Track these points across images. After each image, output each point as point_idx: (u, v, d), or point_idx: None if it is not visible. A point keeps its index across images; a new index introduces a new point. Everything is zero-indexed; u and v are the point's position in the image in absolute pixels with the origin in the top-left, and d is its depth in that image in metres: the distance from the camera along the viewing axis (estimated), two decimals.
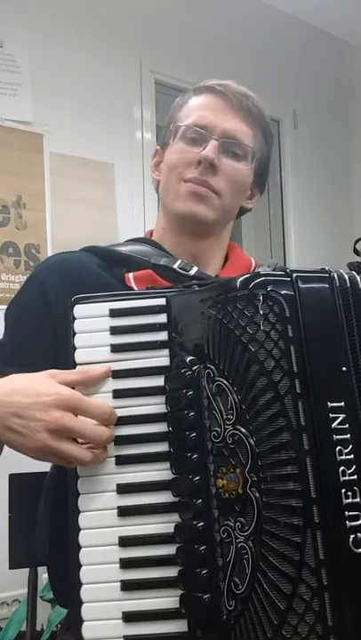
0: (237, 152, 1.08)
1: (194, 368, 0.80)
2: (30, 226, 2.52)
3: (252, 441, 0.71)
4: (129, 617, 0.77)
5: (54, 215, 2.57)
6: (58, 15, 2.73)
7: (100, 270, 1.05)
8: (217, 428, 0.76)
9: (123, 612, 0.77)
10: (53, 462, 0.82)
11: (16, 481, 1.30)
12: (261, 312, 0.73)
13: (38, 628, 1.89)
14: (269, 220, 3.55)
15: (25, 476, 1.25)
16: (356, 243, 3.15)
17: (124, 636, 0.77)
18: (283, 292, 0.74)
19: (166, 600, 0.77)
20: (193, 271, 1.03)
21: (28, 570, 1.33)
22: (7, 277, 2.43)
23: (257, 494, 0.70)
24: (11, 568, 1.25)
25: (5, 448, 0.85)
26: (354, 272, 0.80)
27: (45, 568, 1.10)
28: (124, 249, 1.10)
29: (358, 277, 0.79)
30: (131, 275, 1.03)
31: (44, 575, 1.26)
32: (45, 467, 1.13)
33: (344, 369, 0.73)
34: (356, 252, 3.13)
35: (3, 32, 2.57)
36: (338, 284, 0.76)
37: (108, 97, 2.87)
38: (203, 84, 1.14)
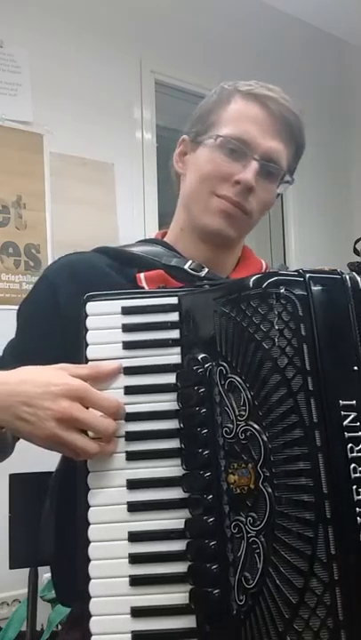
0: (272, 172, 1.07)
1: (206, 365, 0.81)
2: (30, 226, 2.52)
3: (264, 437, 0.73)
4: (137, 612, 0.78)
5: (54, 215, 2.57)
6: (58, 15, 2.73)
7: (111, 270, 1.05)
8: (229, 425, 0.77)
9: (131, 608, 0.78)
10: (61, 452, 0.83)
11: (16, 481, 1.30)
12: (275, 311, 0.75)
13: (38, 628, 1.89)
14: (269, 220, 3.55)
15: (25, 475, 1.25)
16: (356, 243, 3.15)
17: (132, 632, 0.77)
18: (296, 292, 0.75)
19: (175, 596, 0.78)
20: (204, 272, 1.04)
21: (28, 570, 1.34)
22: (7, 277, 2.44)
23: (269, 489, 0.72)
24: (11, 568, 1.26)
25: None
26: (354, 272, 0.82)
27: (45, 568, 1.10)
28: (135, 249, 1.10)
29: (355, 275, 0.80)
30: (142, 275, 1.04)
31: (44, 575, 1.26)
32: (46, 467, 1.13)
33: (356, 368, 0.74)
34: (356, 251, 3.13)
35: (3, 32, 2.58)
36: (350, 285, 0.78)
37: (108, 97, 2.87)
38: (250, 88, 1.10)
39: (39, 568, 1.31)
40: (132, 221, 2.78)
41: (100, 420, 0.80)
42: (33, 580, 1.34)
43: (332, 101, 3.76)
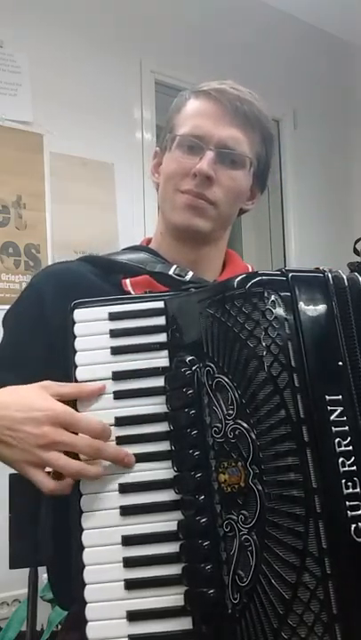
0: (234, 160, 1.09)
1: (193, 367, 0.82)
2: (30, 226, 2.52)
3: (253, 434, 0.74)
4: (133, 616, 0.78)
5: (54, 215, 2.58)
6: (58, 15, 2.73)
7: (96, 278, 1.07)
8: (218, 424, 0.77)
9: (127, 612, 0.78)
10: (35, 482, 0.82)
11: (16, 481, 1.30)
12: (259, 309, 0.76)
13: (38, 628, 1.89)
14: (269, 219, 3.55)
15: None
16: (356, 243, 3.15)
17: (129, 636, 0.77)
18: (279, 290, 0.77)
19: (171, 598, 0.78)
20: (189, 276, 1.05)
21: (28, 570, 1.33)
22: (7, 277, 2.44)
23: (259, 486, 0.72)
24: (11, 568, 1.26)
25: None
26: (356, 272, 0.83)
27: (45, 568, 1.10)
28: (120, 257, 1.12)
29: (357, 276, 0.82)
30: (128, 280, 1.05)
31: (44, 575, 1.26)
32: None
33: (340, 363, 0.76)
34: (356, 252, 3.13)
35: (3, 32, 2.58)
36: (332, 282, 0.79)
37: (108, 97, 2.87)
38: (201, 87, 1.13)
39: (39, 568, 1.30)
40: (132, 221, 2.78)
41: (82, 440, 0.80)
42: (33, 580, 1.34)
43: (332, 101, 3.75)
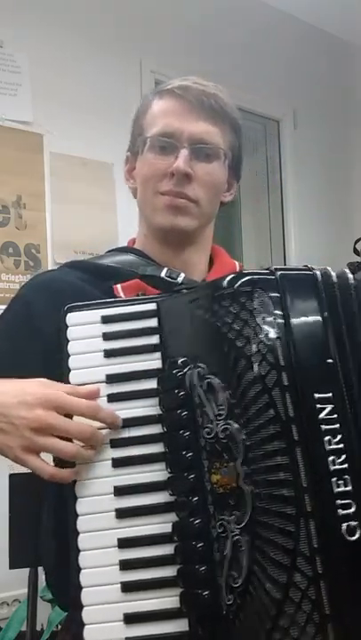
0: (208, 153, 1.09)
1: (185, 368, 0.82)
2: (30, 226, 2.52)
3: (242, 434, 0.73)
4: (130, 618, 0.78)
5: (54, 215, 2.58)
6: (58, 15, 2.73)
7: (86, 285, 1.05)
8: (209, 425, 0.77)
9: (124, 614, 0.78)
10: (32, 470, 0.82)
11: (16, 481, 1.30)
12: (247, 309, 0.76)
13: (38, 628, 1.89)
14: (269, 219, 3.55)
15: (25, 476, 1.25)
16: (356, 243, 3.15)
17: (126, 638, 0.77)
18: (267, 289, 0.77)
19: (167, 600, 0.78)
20: (180, 278, 1.04)
21: (28, 570, 1.33)
22: (7, 277, 2.44)
23: (250, 486, 0.72)
24: (11, 568, 1.26)
25: None
26: (347, 269, 0.82)
27: (43, 569, 1.10)
28: (108, 260, 1.11)
29: (348, 273, 0.81)
30: (119, 286, 1.05)
31: (44, 575, 1.26)
32: None
33: (330, 361, 0.75)
34: (356, 252, 3.13)
35: (3, 32, 2.58)
36: (321, 280, 0.79)
37: (108, 97, 2.87)
38: (164, 86, 1.13)
39: (39, 568, 1.30)
40: (131, 221, 2.76)
41: (76, 424, 0.80)
42: (33, 580, 1.34)
43: (332, 101, 3.75)
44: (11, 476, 1.30)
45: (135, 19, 2.99)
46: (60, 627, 1.90)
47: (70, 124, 2.71)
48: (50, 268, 2.53)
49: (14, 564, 1.27)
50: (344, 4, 3.37)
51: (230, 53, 3.22)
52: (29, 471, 1.11)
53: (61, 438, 0.81)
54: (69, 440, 0.81)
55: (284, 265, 3.37)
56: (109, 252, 1.16)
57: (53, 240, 2.57)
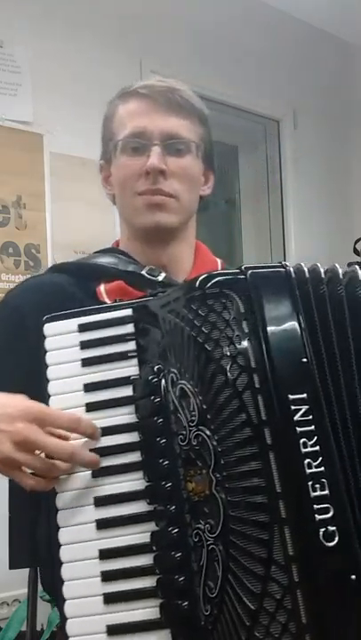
0: (180, 148, 1.08)
1: (160, 375, 0.80)
2: (30, 226, 2.52)
3: (214, 440, 0.71)
4: (113, 630, 0.77)
5: (54, 215, 2.58)
6: (58, 15, 2.74)
7: (73, 288, 1.06)
8: (183, 432, 0.76)
9: (107, 626, 0.77)
10: (15, 479, 0.81)
11: (16, 481, 1.30)
12: (215, 310, 0.74)
13: (38, 628, 1.88)
14: (269, 219, 3.54)
15: None
16: (356, 243, 3.15)
17: None
18: (236, 289, 0.74)
19: (149, 610, 0.76)
20: (161, 277, 1.04)
21: (27, 570, 1.33)
22: (7, 277, 2.44)
23: (222, 494, 0.70)
24: (11, 568, 1.25)
25: None
26: (318, 264, 0.79)
27: (39, 570, 1.09)
28: (93, 262, 1.12)
29: (320, 268, 0.78)
30: (102, 288, 1.05)
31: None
32: None
33: (304, 360, 0.72)
34: (356, 252, 3.13)
35: (3, 32, 2.58)
36: (294, 276, 0.76)
37: (108, 97, 2.86)
38: (127, 89, 1.14)
39: (39, 568, 1.30)
40: None
41: (56, 441, 0.79)
42: (33, 580, 1.33)
43: (332, 101, 3.75)
44: None
45: (135, 19, 2.99)
46: (60, 627, 1.90)
47: (70, 123, 2.71)
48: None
49: (14, 564, 1.26)
50: (344, 5, 3.36)
51: (230, 53, 3.22)
52: (29, 471, 1.11)
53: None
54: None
55: None
56: (96, 253, 1.17)
57: (53, 240, 2.57)
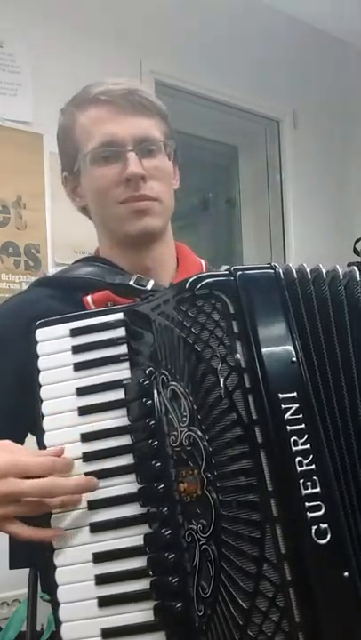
0: (152, 149, 1.08)
1: (152, 377, 0.81)
2: (30, 226, 2.53)
3: (205, 440, 0.72)
4: (108, 633, 0.77)
5: (54, 215, 2.58)
6: (58, 15, 2.75)
7: (56, 302, 1.05)
8: (175, 433, 0.76)
9: (102, 629, 0.78)
10: (12, 533, 0.81)
11: None
12: (204, 311, 0.75)
13: (38, 628, 1.89)
14: (269, 219, 3.55)
15: None
16: (356, 242, 3.15)
17: None
18: (225, 290, 0.75)
19: (144, 613, 0.77)
20: (150, 285, 1.04)
21: (28, 570, 1.33)
22: (7, 277, 2.45)
23: (213, 493, 0.70)
24: (11, 568, 1.26)
25: None
26: (304, 264, 0.81)
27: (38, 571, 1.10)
28: (76, 273, 1.11)
29: (306, 268, 0.80)
30: (89, 297, 1.04)
31: None
32: None
33: (294, 360, 0.73)
34: (356, 252, 3.13)
35: (3, 32, 2.60)
36: (283, 277, 0.77)
37: None
38: (81, 98, 1.11)
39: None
40: None
41: (31, 484, 0.78)
42: (33, 580, 1.34)
43: (332, 101, 3.75)
44: None
45: (135, 19, 2.99)
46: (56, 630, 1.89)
47: None
48: (50, 269, 2.54)
49: (14, 564, 1.27)
50: (344, 6, 3.37)
51: (230, 54, 3.23)
52: None
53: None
54: None
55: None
56: (77, 262, 1.17)
57: (53, 240, 2.58)
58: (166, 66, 3.07)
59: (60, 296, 1.06)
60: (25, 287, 1.41)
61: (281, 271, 0.77)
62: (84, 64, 2.81)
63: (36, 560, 1.15)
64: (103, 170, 1.06)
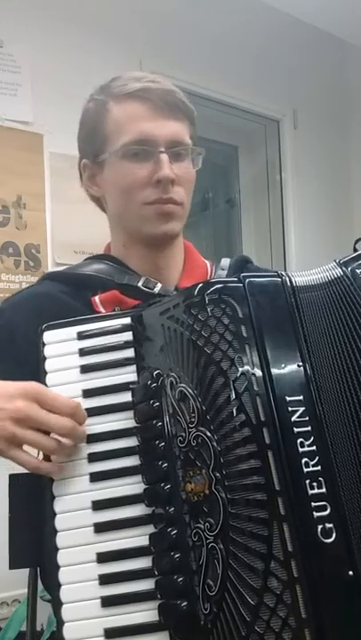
0: (182, 153, 1.10)
1: (159, 380, 0.84)
2: (30, 226, 2.54)
3: (214, 440, 0.75)
4: (111, 633, 0.80)
5: (54, 215, 2.60)
6: (58, 15, 2.77)
7: (67, 297, 1.08)
8: (182, 434, 0.80)
9: (105, 629, 0.80)
10: (15, 461, 0.85)
11: (16, 481, 1.30)
12: (214, 315, 0.79)
13: (38, 628, 1.89)
14: (269, 220, 3.56)
15: (25, 475, 1.25)
16: (356, 243, 3.14)
17: None
18: (235, 295, 0.79)
19: (147, 613, 0.79)
20: (157, 288, 1.07)
21: (28, 570, 1.33)
22: (7, 277, 2.46)
23: (222, 492, 0.74)
24: (11, 568, 1.26)
25: None
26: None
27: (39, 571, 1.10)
28: (86, 269, 1.14)
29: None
30: (97, 298, 1.07)
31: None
32: None
33: (300, 364, 0.77)
34: (356, 252, 3.12)
35: (3, 32, 2.62)
36: (290, 284, 0.82)
37: None
38: (118, 89, 1.12)
39: (39, 568, 1.31)
40: None
41: (55, 417, 0.83)
42: (33, 580, 1.34)
43: (332, 101, 3.77)
44: (10, 476, 1.31)
45: (135, 19, 3.00)
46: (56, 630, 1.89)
47: (70, 123, 2.70)
48: (50, 268, 2.55)
49: (14, 564, 1.27)
50: (344, 5, 3.38)
51: (230, 54, 3.25)
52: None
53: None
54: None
55: (284, 265, 3.39)
56: (87, 259, 1.19)
57: (53, 240, 2.59)
58: (166, 66, 3.08)
59: (71, 292, 1.08)
60: (25, 287, 1.41)
61: (287, 279, 0.82)
62: (84, 64, 2.82)
63: (37, 560, 1.15)
64: (133, 166, 1.07)
